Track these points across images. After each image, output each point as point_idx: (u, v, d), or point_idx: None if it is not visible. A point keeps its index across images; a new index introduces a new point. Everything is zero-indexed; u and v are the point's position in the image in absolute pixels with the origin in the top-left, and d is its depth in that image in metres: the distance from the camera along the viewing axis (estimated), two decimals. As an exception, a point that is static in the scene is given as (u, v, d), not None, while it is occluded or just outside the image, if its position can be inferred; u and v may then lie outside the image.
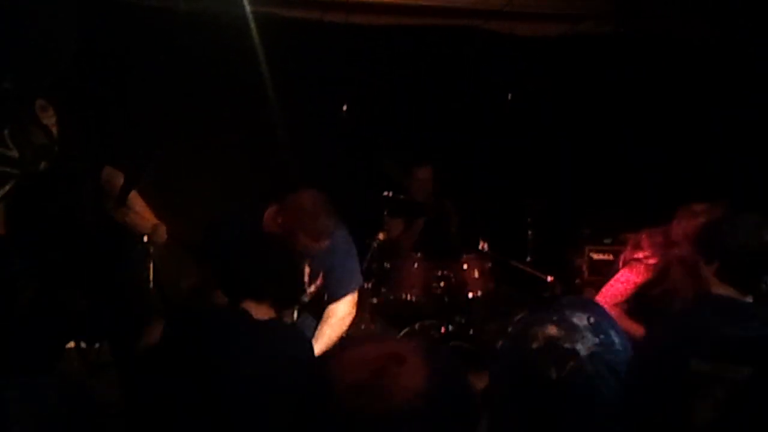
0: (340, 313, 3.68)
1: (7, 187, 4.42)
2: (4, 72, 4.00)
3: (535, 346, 3.30)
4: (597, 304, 3.36)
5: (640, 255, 3.96)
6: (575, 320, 3.36)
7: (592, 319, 3.22)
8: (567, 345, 3.34)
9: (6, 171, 4.40)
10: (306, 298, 3.52)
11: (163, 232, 4.23)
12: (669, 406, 2.77)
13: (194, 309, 3.38)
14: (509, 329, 2.87)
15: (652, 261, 3.93)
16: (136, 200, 4.18)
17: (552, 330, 3.36)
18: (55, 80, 4.10)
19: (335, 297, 3.70)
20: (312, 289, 3.56)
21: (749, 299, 2.92)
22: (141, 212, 4.18)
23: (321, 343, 3.58)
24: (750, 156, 5.69)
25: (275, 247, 2.91)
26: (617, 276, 4.08)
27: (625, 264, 4.07)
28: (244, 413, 2.67)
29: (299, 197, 3.35)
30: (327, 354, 3.65)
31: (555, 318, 3.34)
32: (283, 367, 2.70)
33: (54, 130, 4.42)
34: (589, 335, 3.31)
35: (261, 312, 2.81)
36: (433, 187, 6.20)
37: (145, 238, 4.18)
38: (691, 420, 2.71)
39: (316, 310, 3.75)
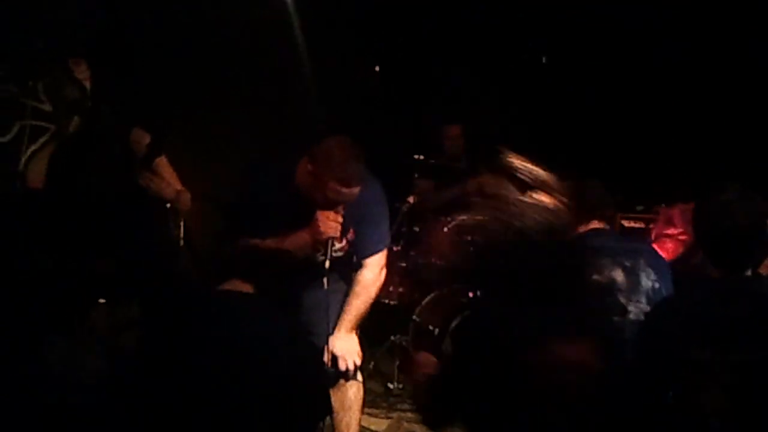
0: (368, 282, 3.62)
1: (41, 141, 4.43)
2: (36, 31, 3.97)
3: (595, 278, 3.28)
4: (667, 266, 3.33)
5: (672, 231, 3.86)
6: (643, 277, 3.35)
7: (657, 285, 3.21)
8: (622, 299, 3.34)
9: (40, 125, 4.41)
10: (338, 252, 3.44)
11: (186, 200, 4.23)
12: (677, 396, 2.75)
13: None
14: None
15: (683, 237, 3.83)
16: (162, 165, 4.17)
17: (618, 275, 3.34)
18: (87, 39, 4.07)
19: (363, 255, 3.61)
20: (343, 243, 3.48)
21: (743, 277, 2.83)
22: (166, 178, 4.17)
23: (350, 315, 3.56)
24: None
25: None
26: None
27: (656, 239, 3.97)
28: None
29: (327, 143, 3.31)
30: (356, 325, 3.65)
31: (628, 264, 3.33)
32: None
33: (87, 84, 4.41)
34: (644, 301, 3.30)
35: None
36: (464, 146, 6.14)
37: (168, 205, 4.17)
38: (704, 409, 2.69)
39: (347, 273, 3.69)
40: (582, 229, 3.49)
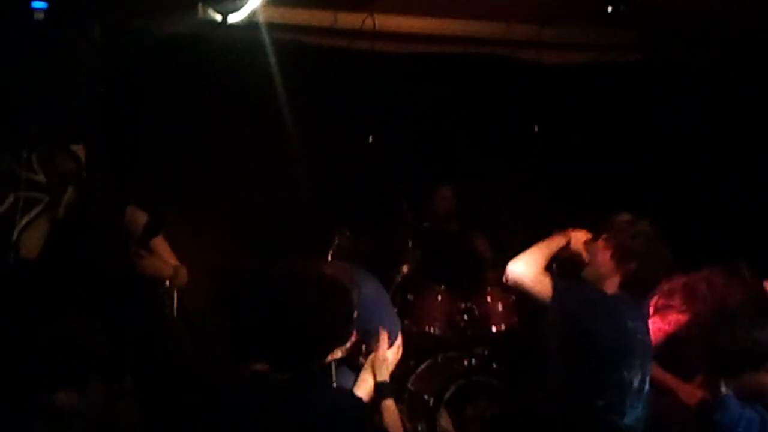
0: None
1: (33, 213, 4.43)
2: (32, 117, 4.01)
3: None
4: None
5: (673, 303, 3.84)
6: None
7: None
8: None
9: (33, 196, 4.42)
10: (341, 354, 3.43)
11: (184, 275, 4.22)
12: None
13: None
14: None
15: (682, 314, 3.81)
16: (159, 243, 4.17)
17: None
18: (81, 123, 4.11)
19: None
20: (347, 345, 3.48)
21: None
22: (164, 255, 4.17)
23: (364, 389, 3.51)
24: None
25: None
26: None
27: (656, 311, 3.93)
28: None
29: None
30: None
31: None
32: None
33: (81, 155, 4.44)
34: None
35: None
36: (455, 208, 6.18)
37: (167, 283, 4.16)
38: None
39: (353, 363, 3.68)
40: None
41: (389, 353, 3.58)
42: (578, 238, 3.76)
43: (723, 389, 3.22)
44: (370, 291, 3.47)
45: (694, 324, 3.68)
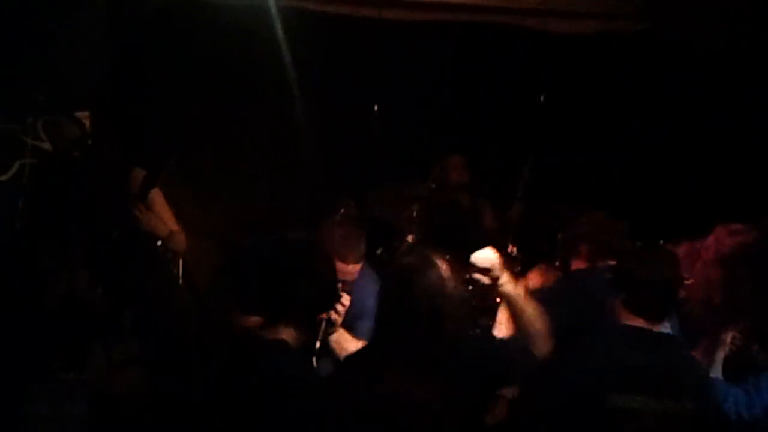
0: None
1: (40, 179, 4.43)
2: (37, 84, 4.00)
3: None
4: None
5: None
6: None
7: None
8: None
9: (40, 163, 4.42)
10: (336, 321, 3.41)
11: (180, 241, 4.24)
12: None
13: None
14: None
15: (686, 281, 3.83)
16: (157, 202, 4.17)
17: None
18: (87, 90, 4.10)
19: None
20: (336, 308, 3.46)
21: (659, 329, 3.06)
22: (161, 215, 4.17)
23: None
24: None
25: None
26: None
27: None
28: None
29: (329, 226, 3.41)
30: None
31: None
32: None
33: (87, 122, 4.43)
34: None
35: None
36: (468, 178, 6.14)
37: (159, 242, 4.17)
38: None
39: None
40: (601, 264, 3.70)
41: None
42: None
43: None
44: (368, 288, 3.51)
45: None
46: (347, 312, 3.28)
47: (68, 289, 3.95)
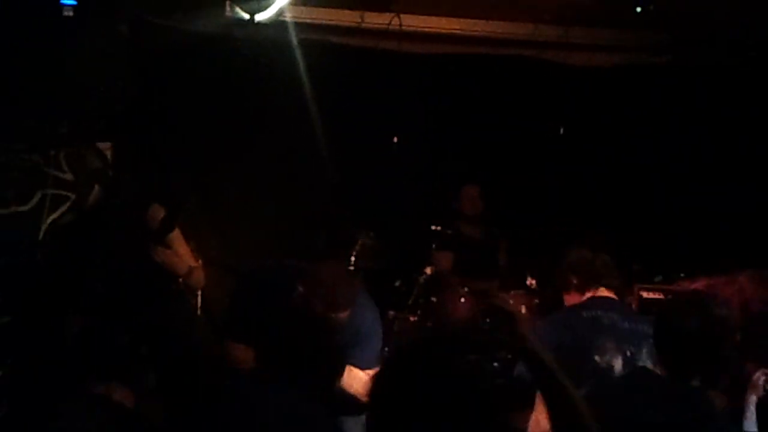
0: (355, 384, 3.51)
1: (60, 210, 4.45)
2: (60, 116, 4.03)
3: (596, 358, 3.30)
4: None
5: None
6: None
7: None
8: None
9: (61, 194, 4.44)
10: None
11: (200, 276, 4.21)
12: None
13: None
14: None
15: None
16: (177, 240, 4.16)
17: (618, 363, 3.39)
18: (109, 122, 4.13)
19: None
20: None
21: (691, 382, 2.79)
22: (180, 253, 4.16)
23: None
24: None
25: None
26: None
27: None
28: None
29: (319, 267, 3.37)
30: None
31: (629, 352, 3.43)
32: None
33: (108, 153, 4.46)
34: None
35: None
36: (483, 208, 6.12)
37: (180, 280, 4.15)
38: None
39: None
40: (590, 293, 3.62)
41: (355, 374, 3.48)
42: None
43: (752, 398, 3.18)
44: (362, 315, 3.46)
45: None
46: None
47: (86, 323, 3.95)
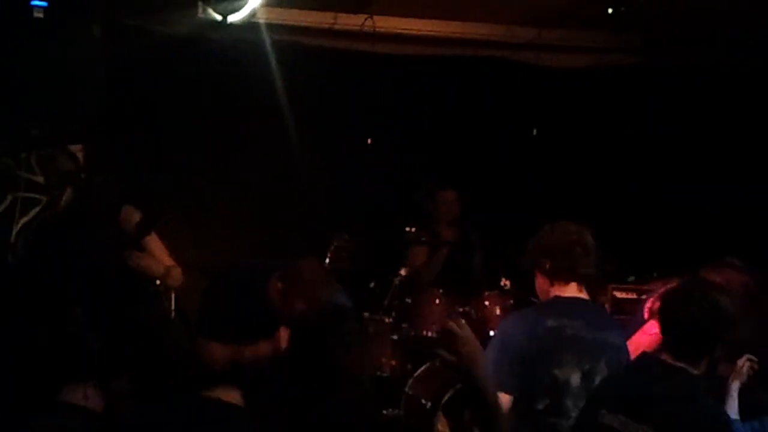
0: None
1: (32, 213, 4.40)
2: (32, 118, 3.99)
3: (555, 372, 3.34)
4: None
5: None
6: (597, 382, 3.38)
7: None
8: (569, 403, 3.39)
9: (32, 197, 4.39)
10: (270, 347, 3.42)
11: (177, 275, 4.18)
12: None
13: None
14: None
15: None
16: (153, 243, 4.13)
17: (575, 379, 3.37)
18: (81, 124, 4.09)
19: None
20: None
21: (694, 370, 2.83)
22: (156, 255, 4.13)
23: None
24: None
25: None
26: (645, 327, 3.91)
27: (652, 315, 3.88)
28: None
29: (298, 264, 3.35)
30: None
31: (588, 367, 3.39)
32: None
33: (80, 155, 4.41)
34: None
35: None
36: (459, 213, 6.12)
37: (158, 282, 4.13)
38: None
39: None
40: (558, 287, 3.44)
41: None
42: None
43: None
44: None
45: None
46: None
47: (60, 325, 3.91)
